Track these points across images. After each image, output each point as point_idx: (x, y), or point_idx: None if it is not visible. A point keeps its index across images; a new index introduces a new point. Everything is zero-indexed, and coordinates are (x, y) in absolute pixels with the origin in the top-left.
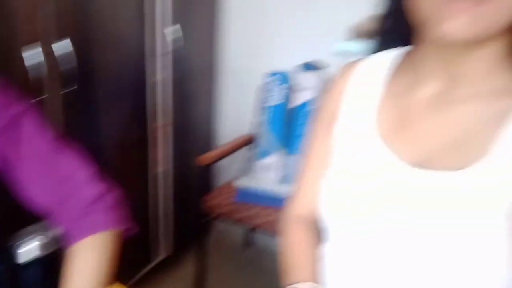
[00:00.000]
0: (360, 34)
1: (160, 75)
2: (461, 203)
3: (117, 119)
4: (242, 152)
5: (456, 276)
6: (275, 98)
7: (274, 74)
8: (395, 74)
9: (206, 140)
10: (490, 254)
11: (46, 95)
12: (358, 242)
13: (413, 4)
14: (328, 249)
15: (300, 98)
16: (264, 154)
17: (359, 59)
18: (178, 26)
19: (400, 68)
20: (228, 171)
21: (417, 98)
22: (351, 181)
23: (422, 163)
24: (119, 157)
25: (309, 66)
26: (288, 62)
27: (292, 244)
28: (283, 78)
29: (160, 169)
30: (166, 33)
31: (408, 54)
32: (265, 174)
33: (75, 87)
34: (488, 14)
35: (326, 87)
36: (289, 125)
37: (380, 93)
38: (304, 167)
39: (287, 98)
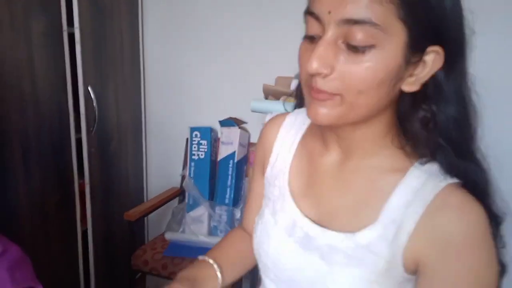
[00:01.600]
0: (270, 94)
1: (84, 133)
2: (346, 262)
3: (39, 179)
4: (172, 205)
5: None
6: (199, 152)
7: (196, 129)
8: (309, 136)
9: (135, 195)
10: None
11: None
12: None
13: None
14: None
15: (223, 152)
16: (193, 206)
17: (285, 113)
18: (100, 85)
19: (311, 131)
20: (158, 224)
21: (323, 162)
22: (276, 233)
23: (322, 221)
24: (43, 218)
25: (230, 122)
26: (211, 117)
27: (227, 235)
28: (206, 133)
29: (89, 226)
30: (90, 91)
31: None
32: (195, 226)
33: None
34: (333, 108)
35: (260, 134)
36: (215, 177)
37: (294, 152)
38: (247, 202)
39: (211, 152)
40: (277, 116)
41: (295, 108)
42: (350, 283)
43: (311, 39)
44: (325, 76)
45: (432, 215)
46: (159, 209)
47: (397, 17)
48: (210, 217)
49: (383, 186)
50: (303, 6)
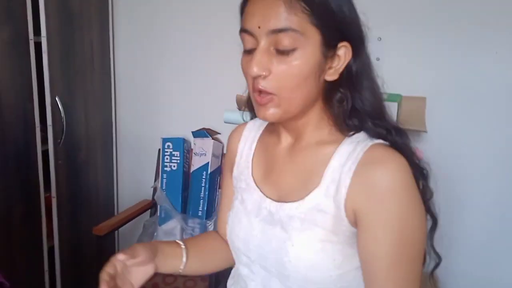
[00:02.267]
0: (243, 104)
1: (51, 144)
2: (300, 226)
3: (2, 192)
4: (144, 218)
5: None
6: (171, 163)
7: (168, 140)
8: (265, 133)
9: (105, 208)
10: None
11: None
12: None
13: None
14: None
15: (196, 163)
16: (165, 219)
17: (247, 122)
18: (68, 95)
19: (268, 130)
20: (129, 238)
21: (278, 150)
22: (245, 216)
23: (281, 198)
24: (6, 232)
25: (202, 133)
26: (184, 128)
27: (202, 233)
28: (178, 144)
29: (56, 242)
30: (57, 101)
31: None
32: (167, 239)
33: None
34: (276, 107)
35: (227, 143)
36: (188, 189)
37: (253, 149)
38: (220, 208)
39: (183, 163)
40: (240, 124)
41: (251, 118)
42: (305, 244)
43: (248, 52)
44: (265, 77)
45: (362, 169)
46: (130, 222)
47: (311, 23)
48: (183, 230)
49: (324, 156)
50: None
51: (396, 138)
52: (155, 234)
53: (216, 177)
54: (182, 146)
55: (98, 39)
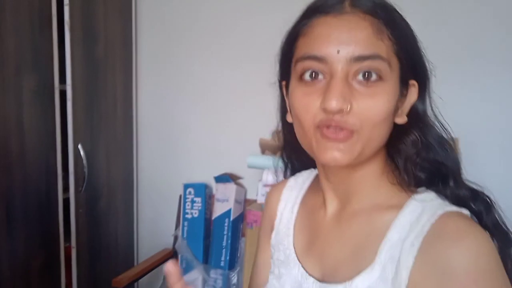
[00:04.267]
0: (266, 148)
1: (72, 192)
2: None
3: (22, 242)
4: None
5: None
6: (193, 210)
7: (190, 185)
8: (309, 194)
9: (124, 257)
10: None
11: None
12: None
13: (300, 137)
14: None
15: (218, 209)
16: (186, 270)
17: (287, 179)
18: (91, 142)
19: (312, 189)
20: None
21: (322, 216)
22: None
23: (325, 277)
24: (25, 282)
25: (224, 178)
26: (205, 173)
27: None
28: (200, 189)
29: None
30: (80, 149)
31: (317, 175)
32: None
33: None
34: (353, 146)
35: (264, 203)
36: (209, 237)
37: (296, 213)
38: (252, 275)
39: (205, 210)
40: (279, 182)
41: (285, 173)
42: None
43: (309, 84)
44: (344, 112)
45: (430, 247)
46: (150, 273)
47: (394, 53)
48: (205, 281)
49: (380, 225)
50: None
51: (481, 206)
52: None
53: (238, 224)
54: (204, 192)
55: (121, 86)
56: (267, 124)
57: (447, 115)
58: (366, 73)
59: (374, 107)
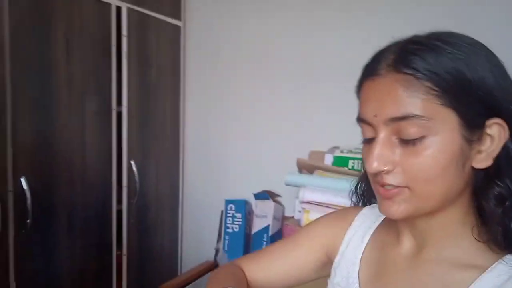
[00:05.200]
0: (303, 167)
1: (125, 204)
2: None
3: (80, 248)
4: (205, 279)
5: None
6: (234, 225)
7: (231, 201)
8: (383, 227)
9: (169, 267)
10: None
11: None
12: None
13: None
14: None
15: (258, 225)
16: None
17: (361, 207)
18: (142, 159)
19: (387, 223)
20: None
21: (394, 254)
22: None
23: None
24: (80, 287)
25: (264, 195)
26: (245, 190)
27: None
28: (240, 205)
29: None
30: (132, 164)
31: None
32: None
33: (29, 221)
34: (406, 201)
35: (334, 215)
36: (249, 251)
37: (366, 243)
38: (267, 248)
39: (245, 225)
40: (355, 206)
41: (353, 199)
42: None
43: (368, 141)
44: (388, 172)
45: None
46: (192, 283)
47: (442, 105)
48: None
49: (458, 284)
50: (334, 82)
51: None
52: None
53: (276, 239)
54: (244, 208)
55: (170, 108)
56: (303, 145)
57: None
58: (405, 133)
59: (419, 165)
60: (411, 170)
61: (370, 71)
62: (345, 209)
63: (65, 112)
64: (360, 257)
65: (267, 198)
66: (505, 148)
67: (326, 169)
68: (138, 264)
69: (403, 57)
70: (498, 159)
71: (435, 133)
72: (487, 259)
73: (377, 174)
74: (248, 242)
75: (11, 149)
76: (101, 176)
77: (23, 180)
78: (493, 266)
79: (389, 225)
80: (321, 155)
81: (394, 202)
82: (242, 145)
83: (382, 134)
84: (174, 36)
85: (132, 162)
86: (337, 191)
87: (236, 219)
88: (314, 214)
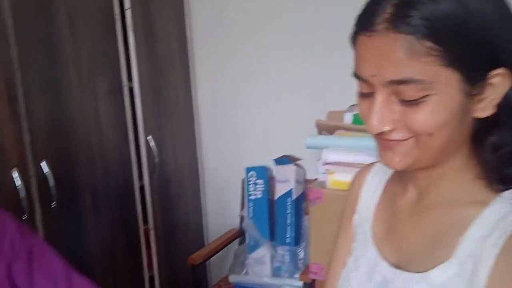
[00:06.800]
0: (323, 129)
1: (147, 180)
2: None
3: (107, 226)
4: (233, 247)
5: None
6: (256, 192)
7: (252, 169)
8: (392, 180)
9: (196, 238)
10: None
11: (25, 215)
12: None
13: None
14: None
15: (280, 190)
16: (254, 247)
17: (374, 162)
18: (159, 133)
19: (396, 175)
20: (221, 267)
21: (402, 203)
22: (356, 279)
23: (401, 264)
24: (112, 264)
25: (284, 160)
26: (265, 156)
27: None
28: (261, 172)
29: (155, 272)
30: (149, 140)
31: None
32: (258, 268)
33: (54, 204)
34: (408, 151)
35: (349, 186)
36: (274, 216)
37: (377, 198)
38: (332, 258)
39: (268, 191)
40: (366, 165)
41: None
42: None
43: (365, 95)
44: (391, 131)
45: None
46: (220, 251)
47: (443, 66)
48: (273, 257)
49: (462, 219)
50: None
51: None
52: (246, 262)
53: (301, 203)
54: (265, 174)
55: (182, 80)
56: (320, 106)
57: None
58: (405, 95)
59: (419, 121)
60: (412, 125)
61: (366, 24)
62: (357, 173)
63: (77, 92)
64: (372, 212)
65: (288, 163)
66: (506, 96)
67: (347, 128)
68: (166, 237)
69: (402, 12)
70: (498, 108)
71: (436, 92)
72: (487, 195)
73: (380, 133)
74: (272, 207)
75: (29, 134)
76: (120, 153)
77: (43, 164)
78: (492, 201)
79: (397, 178)
80: (339, 114)
81: (394, 153)
82: (257, 111)
83: (381, 95)
84: (178, 4)
85: (150, 137)
86: (361, 149)
87: (258, 186)
88: (339, 174)
